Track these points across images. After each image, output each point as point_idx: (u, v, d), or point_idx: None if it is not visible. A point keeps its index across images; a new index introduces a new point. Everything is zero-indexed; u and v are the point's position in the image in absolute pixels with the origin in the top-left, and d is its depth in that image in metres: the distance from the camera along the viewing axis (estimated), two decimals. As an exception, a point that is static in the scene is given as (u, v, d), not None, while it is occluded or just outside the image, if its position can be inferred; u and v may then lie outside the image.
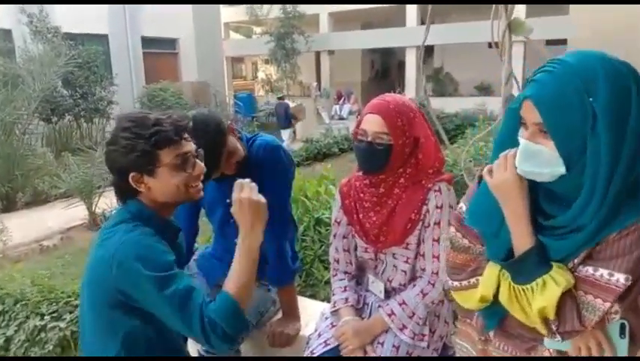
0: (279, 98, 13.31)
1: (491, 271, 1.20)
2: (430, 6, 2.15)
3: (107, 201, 5.96)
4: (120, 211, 1.42)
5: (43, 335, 2.55)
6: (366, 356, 1.60)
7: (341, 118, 18.29)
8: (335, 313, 1.78)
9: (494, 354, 1.30)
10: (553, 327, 1.10)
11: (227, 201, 1.94)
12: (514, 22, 1.92)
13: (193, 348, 1.82)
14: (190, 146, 1.41)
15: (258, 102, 18.63)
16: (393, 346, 1.61)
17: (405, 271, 1.69)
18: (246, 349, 2.07)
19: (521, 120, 1.10)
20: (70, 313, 2.60)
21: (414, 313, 1.62)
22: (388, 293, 1.75)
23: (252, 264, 1.37)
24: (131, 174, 1.35)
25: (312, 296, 2.83)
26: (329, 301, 1.89)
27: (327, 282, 2.91)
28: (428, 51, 20.70)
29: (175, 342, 1.48)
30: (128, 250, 1.28)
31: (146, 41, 15.10)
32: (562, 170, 1.06)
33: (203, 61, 16.36)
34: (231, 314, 1.29)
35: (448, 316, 1.74)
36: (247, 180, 1.42)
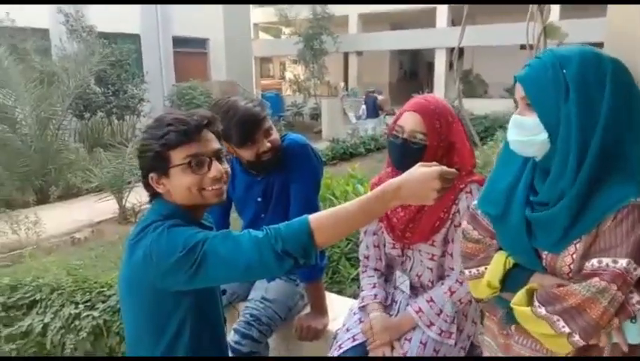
0: (369, 92, 14.69)
1: (498, 258, 1.26)
2: (465, 6, 2.15)
3: (137, 196, 6.09)
4: (150, 213, 1.38)
5: (77, 322, 2.64)
6: (391, 355, 1.61)
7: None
8: (363, 308, 1.80)
9: (515, 349, 1.31)
10: (559, 326, 1.10)
11: (259, 199, 2.01)
12: (549, 26, 1.94)
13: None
14: (207, 146, 1.34)
15: (285, 102, 18.73)
16: (421, 342, 1.63)
17: (431, 268, 1.70)
18: (275, 342, 2.10)
19: (515, 102, 1.21)
20: (103, 302, 2.68)
21: (441, 311, 1.63)
22: (416, 290, 1.76)
23: (358, 218, 1.23)
24: (150, 175, 1.34)
25: (339, 293, 2.85)
26: (356, 298, 1.91)
27: (354, 279, 2.93)
28: (459, 52, 20.52)
29: (218, 330, 1.50)
30: (162, 238, 1.26)
31: (177, 41, 15.35)
32: (544, 136, 1.14)
33: (232, 61, 16.55)
34: (297, 236, 1.21)
35: (475, 316, 1.74)
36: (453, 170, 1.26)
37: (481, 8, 17.56)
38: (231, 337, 1.88)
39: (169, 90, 14.45)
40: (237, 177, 2.04)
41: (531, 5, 2.09)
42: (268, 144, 1.84)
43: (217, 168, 1.35)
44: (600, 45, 1.28)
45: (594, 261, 1.10)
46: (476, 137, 2.10)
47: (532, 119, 1.16)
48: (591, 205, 1.11)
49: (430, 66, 21.29)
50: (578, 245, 1.14)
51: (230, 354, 1.84)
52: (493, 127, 11.13)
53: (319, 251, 1.96)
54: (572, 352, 1.18)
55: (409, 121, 1.61)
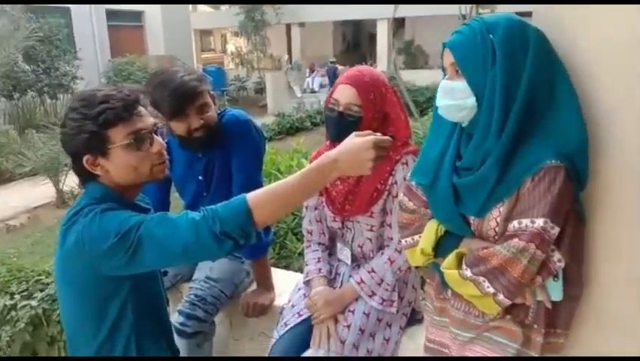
0: (331, 62, 15.52)
1: (430, 226, 1.32)
2: None
3: (75, 179, 5.83)
4: (83, 197, 1.33)
5: (14, 313, 2.52)
6: (335, 328, 1.64)
7: (313, 91, 18.18)
8: (308, 283, 1.82)
9: (451, 312, 1.38)
10: (485, 286, 1.16)
11: (200, 178, 1.97)
12: (481, -4, 1.98)
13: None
14: (145, 122, 1.30)
15: (228, 76, 18.32)
16: (364, 313, 1.67)
17: (370, 239, 1.74)
18: (220, 319, 2.10)
19: (443, 69, 1.24)
20: (41, 291, 2.58)
21: (382, 280, 1.68)
22: (357, 261, 1.80)
23: (297, 195, 1.23)
24: (85, 157, 1.27)
25: (286, 268, 2.88)
26: (303, 272, 1.93)
27: (301, 253, 2.96)
28: (399, 23, 20.60)
29: (161, 312, 1.48)
30: (94, 224, 1.22)
31: (111, 14, 14.62)
32: (472, 100, 1.19)
33: (171, 34, 15.97)
34: (236, 216, 1.18)
35: (415, 282, 1.80)
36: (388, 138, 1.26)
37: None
38: (175, 318, 1.86)
39: (104, 66, 13.80)
40: (176, 155, 1.98)
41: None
42: (201, 121, 1.78)
43: (159, 143, 1.34)
44: (529, 14, 1.32)
45: (515, 222, 1.16)
46: (414, 108, 2.13)
47: (461, 84, 1.19)
48: (511, 169, 1.16)
49: (373, 37, 21.32)
50: (501, 209, 1.19)
51: (175, 336, 1.83)
52: (434, 97, 11.33)
53: (262, 229, 1.95)
54: (501, 312, 1.25)
55: (344, 94, 1.61)
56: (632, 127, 1.22)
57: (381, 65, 18.28)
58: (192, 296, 1.91)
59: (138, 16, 15.92)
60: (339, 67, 14.21)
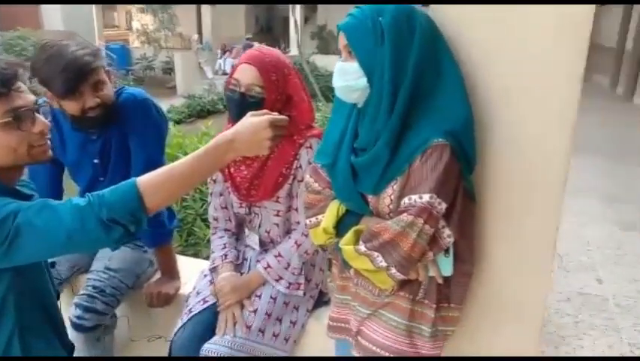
0: (247, 39, 15.15)
1: (332, 205, 1.36)
2: None
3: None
4: None
5: None
6: (240, 314, 1.63)
7: (225, 73, 17.75)
8: (214, 270, 1.79)
9: (352, 289, 1.43)
10: (378, 261, 1.21)
11: (95, 161, 1.85)
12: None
13: (64, 315, 1.72)
14: (25, 98, 1.20)
15: (133, 54, 17.38)
16: (271, 297, 1.67)
17: (277, 224, 1.74)
18: (124, 312, 2.01)
19: (340, 51, 1.28)
20: None
21: (289, 264, 1.68)
22: (266, 246, 1.79)
23: (188, 178, 1.15)
24: None
25: (195, 255, 2.81)
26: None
27: (209, 240, 2.89)
28: (312, 8, 20.64)
29: (49, 306, 1.37)
30: None
31: (-2, -17, 13.28)
32: (363, 81, 1.22)
33: (69, 8, 14.79)
34: (125, 201, 1.10)
35: (323, 264, 1.83)
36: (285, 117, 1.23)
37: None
38: (72, 312, 1.75)
39: (-8, 40, 12.53)
40: (68, 136, 1.84)
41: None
42: (97, 100, 1.66)
43: (42, 122, 1.23)
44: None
45: (405, 199, 1.21)
46: (319, 93, 2.14)
47: (353, 65, 1.23)
48: (402, 148, 1.22)
49: (286, 21, 21.18)
50: (394, 186, 1.24)
51: (71, 330, 1.72)
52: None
53: (160, 214, 1.85)
54: (395, 288, 1.30)
55: (246, 74, 1.58)
56: (515, 109, 1.31)
57: (295, 49, 18.23)
58: (90, 288, 1.80)
59: (31, -14, 14.60)
60: (256, 44, 13.96)
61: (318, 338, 1.73)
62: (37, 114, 1.23)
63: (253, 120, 1.19)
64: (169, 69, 16.12)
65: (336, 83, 1.27)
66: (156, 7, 17.47)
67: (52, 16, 14.65)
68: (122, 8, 25.67)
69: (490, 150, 1.35)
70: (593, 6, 1.21)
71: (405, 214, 1.18)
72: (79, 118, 1.68)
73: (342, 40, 1.24)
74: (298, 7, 18.57)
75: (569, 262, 3.66)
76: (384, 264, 1.21)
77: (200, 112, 10.71)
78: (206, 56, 18.13)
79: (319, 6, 20.84)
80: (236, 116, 1.60)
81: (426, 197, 1.16)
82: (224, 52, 19.27)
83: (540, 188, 1.36)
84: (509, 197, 1.39)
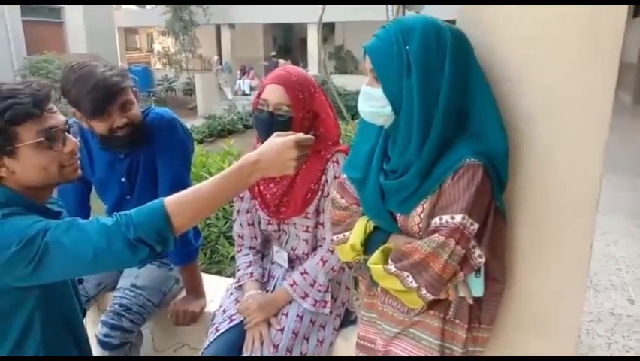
0: (273, 56, 15.19)
1: (360, 222, 1.34)
2: None
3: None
4: None
5: None
6: (268, 333, 1.61)
7: (244, 94, 17.99)
8: (239, 288, 1.78)
9: (379, 307, 1.41)
10: (409, 281, 1.19)
11: (123, 180, 1.87)
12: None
13: (91, 333, 1.73)
14: (56, 119, 1.22)
15: (155, 76, 17.73)
16: (297, 315, 1.65)
17: (306, 240, 1.73)
18: (150, 330, 2.01)
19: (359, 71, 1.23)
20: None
21: (315, 281, 1.67)
22: (293, 262, 1.78)
23: (216, 196, 1.16)
24: None
25: (218, 273, 2.81)
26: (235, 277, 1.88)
27: (233, 258, 2.88)
28: (329, 28, 20.85)
29: (74, 323, 1.37)
30: None
31: (26, 9, 13.69)
32: (388, 109, 1.20)
33: (93, 31, 15.21)
34: (153, 221, 1.11)
35: (348, 282, 1.81)
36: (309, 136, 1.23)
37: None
38: (99, 330, 1.76)
39: (20, 64, 12.90)
40: (96, 155, 1.87)
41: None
42: (124, 119, 1.69)
43: (72, 142, 1.25)
44: (454, 22, 1.35)
45: (436, 219, 1.19)
46: (345, 111, 2.15)
47: (378, 92, 1.20)
48: (434, 170, 1.19)
49: (304, 42, 21.42)
50: (424, 205, 1.22)
51: (98, 348, 1.72)
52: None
53: (184, 233, 1.86)
54: (424, 307, 1.28)
55: (274, 94, 1.59)
56: (547, 128, 1.29)
57: (313, 70, 18.40)
58: (117, 306, 1.81)
59: (57, 11, 15.04)
60: (281, 61, 14.04)
61: (346, 356, 1.70)
62: (67, 134, 1.25)
63: (278, 141, 1.20)
64: (190, 90, 16.40)
65: (362, 107, 1.26)
66: (177, 31, 17.84)
67: (77, 39, 15.08)
68: (143, 31, 26.29)
69: (521, 168, 1.33)
70: (623, 24, 1.20)
71: (436, 235, 1.16)
72: (107, 137, 1.71)
73: (368, 64, 1.21)
74: (316, 27, 18.81)
75: (599, 282, 3.57)
76: (414, 284, 1.18)
77: (220, 132, 10.85)
78: (226, 77, 18.41)
79: (336, 26, 21.04)
80: (265, 136, 1.60)
81: (458, 217, 1.14)
82: (243, 73, 19.55)
83: (573, 205, 1.33)
84: (541, 215, 1.36)
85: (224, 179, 1.16)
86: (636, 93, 12.56)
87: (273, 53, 14.60)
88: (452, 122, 1.18)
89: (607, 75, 1.23)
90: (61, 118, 1.24)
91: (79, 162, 1.30)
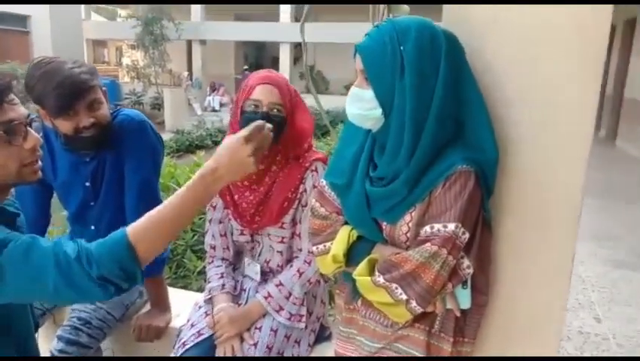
0: (245, 70, 15.04)
1: (342, 232, 1.27)
2: (305, 6, 2.15)
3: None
4: None
5: None
6: (240, 347, 1.53)
7: (214, 110, 17.86)
8: (210, 301, 1.68)
9: (359, 322, 1.34)
10: (397, 293, 1.13)
11: (87, 184, 1.76)
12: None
13: (45, 348, 1.60)
14: (17, 111, 1.11)
15: (122, 90, 17.41)
16: (271, 330, 1.57)
17: (281, 252, 1.66)
18: (109, 346, 1.88)
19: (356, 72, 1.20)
20: None
21: (290, 294, 1.59)
22: (266, 276, 1.70)
23: (178, 218, 1.07)
24: None
25: (184, 288, 2.68)
26: (202, 292, 1.78)
27: (200, 272, 2.78)
28: (300, 50, 21.05)
29: (25, 338, 1.25)
30: None
31: (-9, 16, 13.33)
32: (378, 112, 1.14)
33: (60, 42, 14.88)
34: (116, 255, 1.00)
35: (324, 296, 1.74)
36: (269, 125, 1.16)
37: (324, 7, 18.17)
38: (54, 345, 1.63)
39: (-21, 72, 12.46)
40: (59, 157, 1.74)
41: (370, 6, 2.17)
42: (92, 119, 1.58)
43: (34, 137, 1.14)
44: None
45: (427, 228, 1.13)
46: (329, 125, 2.14)
47: (368, 94, 1.15)
48: (423, 178, 1.14)
49: (275, 60, 21.51)
50: (413, 214, 1.17)
51: (52, 365, 1.59)
52: (334, 122, 11.63)
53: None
54: (410, 320, 1.22)
55: (266, 94, 1.52)
56: (531, 131, 1.27)
57: (284, 88, 18.38)
58: (75, 319, 1.68)
59: (23, 20, 14.68)
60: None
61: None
62: (29, 129, 1.14)
63: (227, 143, 1.12)
64: (158, 105, 16.17)
65: (350, 109, 1.20)
66: (148, 44, 17.65)
67: (43, 50, 14.68)
68: (112, 44, 25.94)
69: (501, 173, 1.30)
70: (609, 28, 1.19)
71: (428, 244, 1.10)
72: (72, 138, 1.60)
73: (359, 64, 1.15)
74: (288, 47, 18.89)
75: (567, 301, 3.59)
76: (404, 297, 1.12)
77: (188, 147, 10.70)
78: (196, 93, 18.27)
79: (308, 47, 21.20)
80: None
81: (451, 226, 1.09)
82: (213, 89, 19.44)
83: (556, 215, 1.31)
84: (524, 225, 1.33)
85: (187, 193, 1.08)
86: (597, 121, 12.99)
87: (246, 67, 14.57)
88: (445, 128, 1.13)
89: (592, 79, 1.22)
90: (23, 111, 1.14)
91: (40, 162, 1.18)
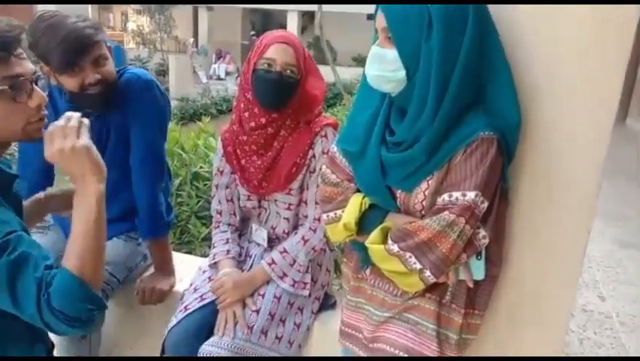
0: (252, 35, 15.00)
1: (354, 199, 1.23)
2: None
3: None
4: None
5: None
6: (242, 313, 1.50)
7: (219, 78, 17.69)
8: (214, 266, 1.66)
9: (368, 291, 1.31)
10: (411, 262, 1.10)
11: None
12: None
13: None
14: (24, 67, 1.05)
15: (127, 55, 17.22)
16: (275, 296, 1.55)
17: (287, 219, 1.62)
18: (110, 309, 1.87)
19: (376, 32, 1.13)
20: None
21: (295, 261, 1.57)
22: (272, 242, 1.67)
23: (93, 226, 1.03)
24: None
25: (188, 253, 2.67)
26: (206, 258, 1.76)
27: (205, 239, 2.77)
28: (309, 18, 20.66)
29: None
30: None
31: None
32: (401, 74, 1.08)
33: (63, 8, 14.62)
34: (73, 296, 0.98)
35: (329, 265, 1.72)
36: (77, 114, 1.08)
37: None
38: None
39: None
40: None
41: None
42: (97, 76, 1.53)
43: (39, 95, 1.08)
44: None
45: (445, 196, 1.09)
46: (342, 88, 2.08)
47: (391, 54, 1.09)
48: (445, 142, 1.10)
49: (282, 27, 21.19)
50: (430, 182, 1.13)
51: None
52: (341, 93, 11.50)
53: (166, 204, 1.72)
54: (420, 291, 1.19)
55: (281, 53, 1.46)
56: (550, 112, 1.22)
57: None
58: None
59: (25, -18, 14.41)
60: None
61: (323, 342, 1.61)
62: (35, 86, 1.09)
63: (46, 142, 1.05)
64: (163, 71, 16.00)
65: (370, 70, 1.14)
66: (153, 9, 17.39)
67: (47, 12, 14.53)
68: (117, 9, 25.57)
69: (524, 150, 1.25)
70: (635, 26, 1.14)
71: (446, 212, 1.06)
72: (77, 95, 1.55)
73: (381, 22, 1.09)
74: (296, 15, 18.58)
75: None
76: (418, 266, 1.09)
77: (192, 115, 10.64)
78: (201, 60, 18.07)
79: (315, 15, 20.87)
80: (272, 98, 1.48)
81: (471, 195, 1.05)
82: (218, 57, 19.21)
83: (574, 189, 1.27)
84: (540, 198, 1.29)
85: (88, 207, 1.04)
86: (619, 109, 12.86)
87: (253, 32, 14.34)
88: (469, 88, 1.08)
89: (613, 75, 1.19)
90: (30, 66, 1.08)
91: (45, 119, 1.13)
